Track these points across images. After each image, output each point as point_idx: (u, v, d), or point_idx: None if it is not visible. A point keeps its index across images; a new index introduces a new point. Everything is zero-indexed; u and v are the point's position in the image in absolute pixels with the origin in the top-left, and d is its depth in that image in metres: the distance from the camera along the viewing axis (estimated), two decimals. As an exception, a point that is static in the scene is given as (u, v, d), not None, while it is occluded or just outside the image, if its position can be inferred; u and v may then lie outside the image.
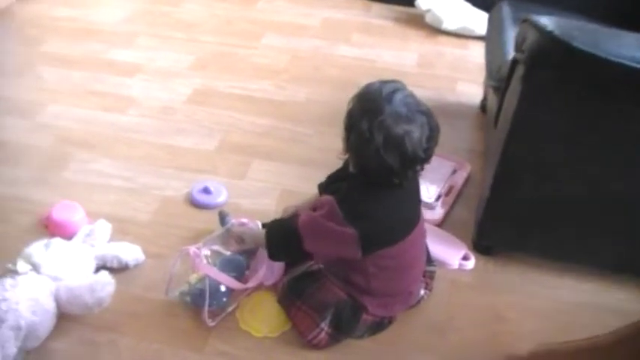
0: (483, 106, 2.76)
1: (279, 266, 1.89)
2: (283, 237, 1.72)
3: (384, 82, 1.57)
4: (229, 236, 1.94)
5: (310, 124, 2.65)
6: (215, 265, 1.88)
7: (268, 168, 2.42)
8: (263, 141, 2.56)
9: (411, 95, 1.57)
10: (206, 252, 1.89)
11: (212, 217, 2.12)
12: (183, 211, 2.20)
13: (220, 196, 2.24)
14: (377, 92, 1.54)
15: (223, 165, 2.42)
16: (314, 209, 1.68)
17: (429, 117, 1.55)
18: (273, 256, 1.76)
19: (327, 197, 1.63)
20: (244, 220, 1.99)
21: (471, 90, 2.92)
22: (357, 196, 1.62)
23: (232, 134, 2.58)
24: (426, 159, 1.58)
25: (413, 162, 1.56)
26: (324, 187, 1.88)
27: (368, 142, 1.52)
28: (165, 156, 2.45)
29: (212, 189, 2.24)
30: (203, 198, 2.22)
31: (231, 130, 2.60)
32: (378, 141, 1.51)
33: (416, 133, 1.52)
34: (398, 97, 1.53)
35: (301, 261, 1.84)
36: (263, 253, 1.85)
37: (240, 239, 1.90)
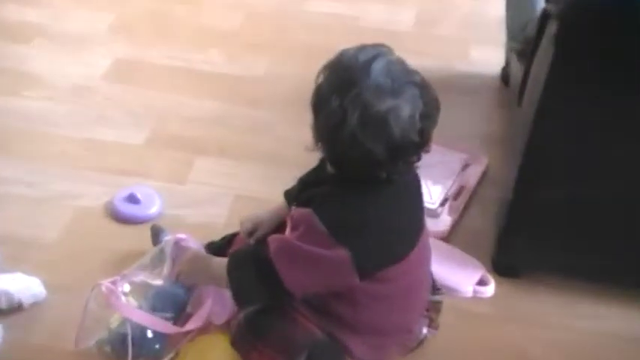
0: (505, 77, 2.75)
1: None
2: (253, 276, 1.68)
3: (362, 48, 1.55)
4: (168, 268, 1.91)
5: (273, 107, 2.63)
6: (145, 300, 1.85)
7: (217, 167, 2.40)
8: (210, 131, 2.54)
9: (399, 62, 1.55)
10: (125, 285, 1.86)
11: (143, 234, 2.09)
12: (104, 227, 2.17)
13: (152, 206, 2.22)
14: (351, 60, 1.52)
15: (157, 164, 2.40)
16: (289, 229, 1.66)
17: (423, 89, 1.53)
18: (242, 303, 1.74)
19: (302, 211, 1.61)
20: (182, 236, 1.96)
21: (489, 55, 2.92)
22: (342, 202, 1.60)
23: (169, 123, 2.56)
24: (423, 144, 1.56)
25: (404, 148, 1.54)
26: (294, 195, 1.85)
27: (340, 124, 1.50)
28: (80, 153, 2.42)
29: (140, 196, 2.21)
30: (129, 209, 2.20)
31: (168, 118, 2.58)
32: (353, 122, 1.49)
33: (405, 109, 1.50)
34: (379, 64, 1.51)
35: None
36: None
37: (182, 278, 1.86)
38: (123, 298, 1.81)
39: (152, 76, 2.76)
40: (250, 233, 1.95)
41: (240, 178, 2.36)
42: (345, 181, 1.61)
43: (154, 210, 2.21)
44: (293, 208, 1.74)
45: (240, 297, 1.71)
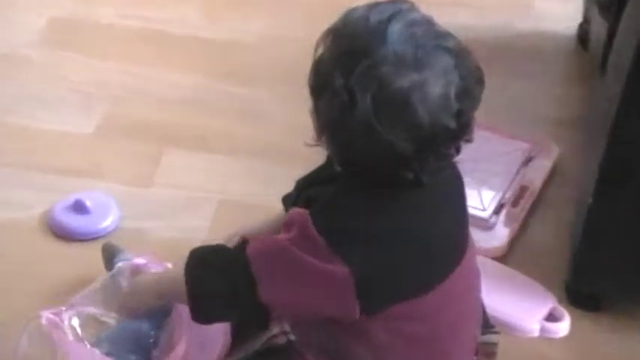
0: (583, 38, 2.75)
1: (216, 338, 1.85)
2: (218, 276, 1.69)
3: (374, 5, 1.54)
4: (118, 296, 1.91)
5: (267, 83, 2.64)
6: (98, 342, 1.85)
7: (193, 163, 2.42)
8: (183, 115, 2.55)
9: (425, 22, 1.54)
10: (74, 319, 1.87)
11: (93, 254, 2.09)
12: (41, 246, 2.19)
13: (106, 217, 2.23)
14: (360, 23, 1.52)
15: (111, 161, 2.41)
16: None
17: (458, 57, 1.52)
18: (198, 312, 1.71)
19: (299, 210, 1.62)
20: (140, 261, 1.95)
21: (561, 8, 2.92)
22: (350, 205, 1.60)
23: (127, 104, 2.58)
24: (461, 131, 1.55)
25: (435, 138, 1.52)
26: (294, 197, 1.87)
27: (347, 110, 1.50)
28: (5, 146, 2.44)
29: (90, 204, 2.22)
30: (75, 221, 2.21)
31: (126, 97, 2.60)
32: (365, 105, 1.49)
33: (434, 85, 1.49)
34: (397, 26, 1.50)
35: (255, 325, 1.81)
36: (182, 315, 1.83)
37: (125, 305, 1.87)
38: (70, 334, 1.81)
39: (104, 42, 2.77)
40: None
41: (225, 177, 2.37)
42: (356, 182, 1.61)
43: (108, 222, 2.22)
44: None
45: (199, 308, 1.70)
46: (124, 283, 1.92)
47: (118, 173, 2.38)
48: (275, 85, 2.63)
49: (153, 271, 1.94)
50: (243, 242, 1.67)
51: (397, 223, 1.61)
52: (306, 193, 1.75)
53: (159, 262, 1.98)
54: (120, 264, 1.98)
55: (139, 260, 1.96)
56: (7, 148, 2.44)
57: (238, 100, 2.61)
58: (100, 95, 2.60)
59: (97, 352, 1.81)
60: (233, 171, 2.40)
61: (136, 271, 1.93)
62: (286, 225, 1.62)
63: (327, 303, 1.61)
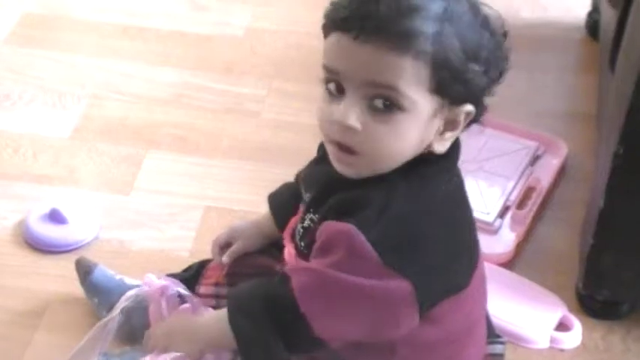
0: (592, 28, 2.76)
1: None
2: (268, 325, 1.63)
3: None
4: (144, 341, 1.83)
5: (256, 78, 2.63)
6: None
7: (177, 167, 2.42)
8: (166, 114, 2.56)
9: None
10: None
11: (72, 269, 2.07)
12: (15, 259, 2.20)
13: (84, 228, 2.24)
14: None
15: (89, 165, 2.42)
16: (315, 252, 1.63)
17: None
18: None
19: (338, 227, 1.57)
20: (163, 282, 1.85)
21: (568, -3, 2.95)
22: (404, 207, 1.57)
23: (105, 104, 2.58)
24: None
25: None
26: (315, 200, 1.73)
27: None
28: (-23, 151, 2.44)
29: (67, 214, 2.22)
30: (51, 231, 2.21)
31: (104, 96, 2.60)
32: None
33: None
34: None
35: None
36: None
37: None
38: None
39: (80, 38, 2.78)
40: (222, 248, 1.93)
41: (212, 182, 2.38)
42: (414, 169, 1.59)
43: (86, 232, 2.23)
44: (309, 216, 1.69)
45: (254, 357, 1.69)
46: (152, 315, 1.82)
47: (97, 179, 2.39)
48: (263, 81, 2.60)
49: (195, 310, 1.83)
50: (283, 277, 1.63)
51: (447, 213, 1.63)
52: (335, 199, 1.65)
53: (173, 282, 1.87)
54: (135, 292, 1.87)
55: (160, 279, 1.85)
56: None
57: (225, 97, 2.62)
58: (77, 94, 2.61)
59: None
60: (220, 175, 2.40)
61: (165, 296, 1.83)
62: (324, 247, 1.60)
63: (387, 324, 1.62)
